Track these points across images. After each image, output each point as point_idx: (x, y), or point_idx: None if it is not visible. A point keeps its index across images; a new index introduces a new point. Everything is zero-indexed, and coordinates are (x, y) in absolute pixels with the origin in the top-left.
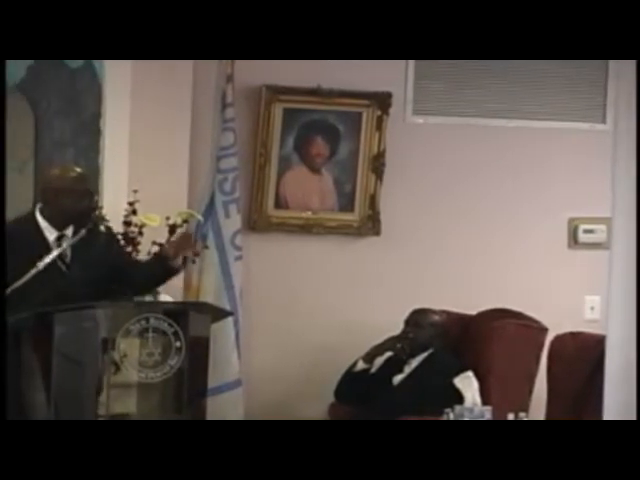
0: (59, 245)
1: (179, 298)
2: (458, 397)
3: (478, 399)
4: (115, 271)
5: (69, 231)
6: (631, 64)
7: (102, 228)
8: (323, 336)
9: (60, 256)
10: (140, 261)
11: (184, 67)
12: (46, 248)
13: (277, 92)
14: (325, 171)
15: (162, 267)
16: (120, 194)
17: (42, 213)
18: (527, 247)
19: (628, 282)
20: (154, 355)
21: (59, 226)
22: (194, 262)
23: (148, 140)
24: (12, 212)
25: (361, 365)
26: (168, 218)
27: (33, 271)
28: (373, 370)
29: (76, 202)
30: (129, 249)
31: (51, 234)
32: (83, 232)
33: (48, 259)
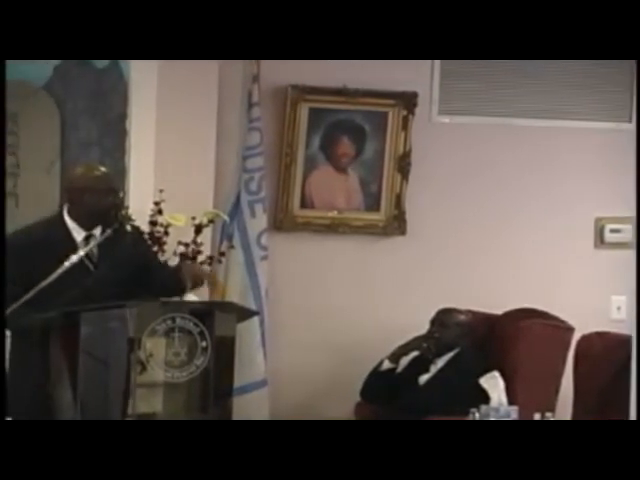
0: (87, 245)
1: (205, 298)
2: (484, 397)
3: (504, 399)
4: (141, 271)
5: (97, 231)
6: None
7: (129, 228)
8: (349, 335)
9: (88, 256)
10: (164, 265)
11: (210, 67)
12: (74, 249)
13: (303, 92)
14: (351, 171)
15: (177, 283)
16: (146, 194)
17: (69, 214)
18: (553, 247)
19: None
20: (180, 355)
21: (86, 226)
22: (220, 262)
23: (174, 140)
24: (40, 212)
25: (387, 365)
26: (194, 218)
27: (59, 270)
28: (399, 370)
29: (100, 200)
30: (155, 248)
31: (79, 234)
32: (109, 232)
33: (74, 258)
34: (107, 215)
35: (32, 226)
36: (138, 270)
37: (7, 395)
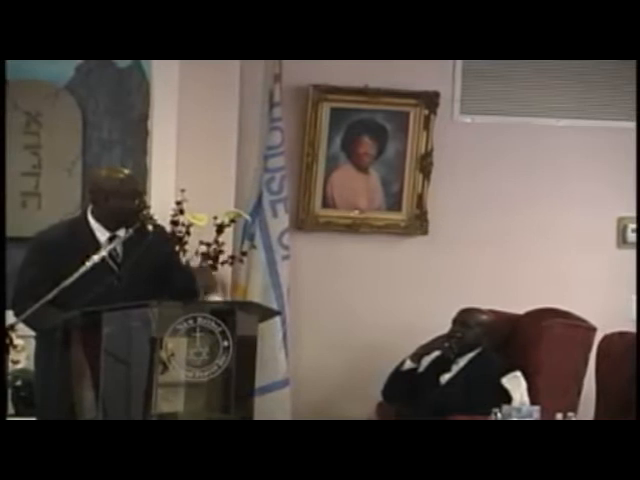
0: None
1: (227, 297)
2: (506, 397)
3: (526, 399)
4: (164, 271)
5: (121, 232)
6: None
7: (150, 228)
8: (370, 335)
9: (112, 256)
10: (183, 269)
11: (232, 67)
12: (97, 249)
13: (324, 92)
14: (372, 170)
15: (191, 288)
16: (168, 194)
17: (93, 215)
18: (576, 246)
19: None
20: (202, 354)
21: (110, 227)
22: (242, 262)
23: (196, 140)
24: (62, 211)
25: (409, 364)
26: (215, 218)
27: (81, 270)
28: (421, 369)
29: (126, 203)
30: (177, 248)
31: (102, 235)
32: (131, 232)
33: (96, 258)
34: (132, 216)
35: (56, 226)
36: (161, 270)
37: (34, 395)
